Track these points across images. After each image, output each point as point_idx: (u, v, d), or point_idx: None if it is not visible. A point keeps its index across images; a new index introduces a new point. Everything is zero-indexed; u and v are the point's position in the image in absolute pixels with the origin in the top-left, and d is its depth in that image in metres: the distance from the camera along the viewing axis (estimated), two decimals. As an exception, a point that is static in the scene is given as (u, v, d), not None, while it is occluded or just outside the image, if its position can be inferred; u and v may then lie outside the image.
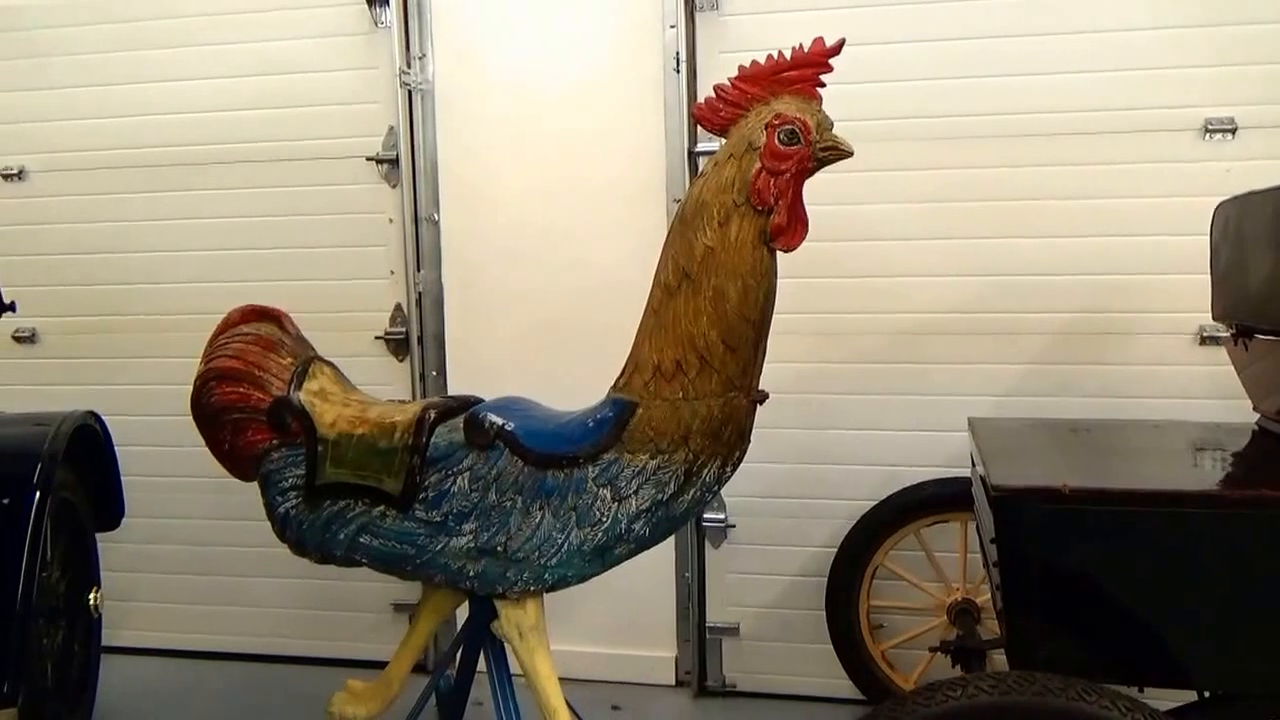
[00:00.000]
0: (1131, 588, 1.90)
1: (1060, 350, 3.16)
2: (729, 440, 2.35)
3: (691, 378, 2.30)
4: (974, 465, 2.57)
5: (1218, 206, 2.53)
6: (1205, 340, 3.07)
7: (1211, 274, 2.54)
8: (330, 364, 2.79)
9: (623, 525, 2.37)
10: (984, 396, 3.17)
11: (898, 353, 3.25)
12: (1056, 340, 3.16)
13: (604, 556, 2.41)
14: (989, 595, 3.00)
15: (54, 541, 2.95)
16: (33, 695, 2.65)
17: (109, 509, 3.34)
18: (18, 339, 3.83)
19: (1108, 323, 3.13)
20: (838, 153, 2.24)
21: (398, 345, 3.59)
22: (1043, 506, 1.91)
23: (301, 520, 2.58)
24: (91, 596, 3.21)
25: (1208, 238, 2.57)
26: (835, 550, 3.15)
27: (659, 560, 3.36)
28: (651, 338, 2.34)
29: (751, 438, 2.40)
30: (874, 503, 3.13)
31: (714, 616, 3.46)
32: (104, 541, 3.35)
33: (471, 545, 2.43)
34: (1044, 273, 3.15)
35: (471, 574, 2.45)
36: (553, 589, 2.44)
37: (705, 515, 3.37)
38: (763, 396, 2.40)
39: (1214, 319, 2.58)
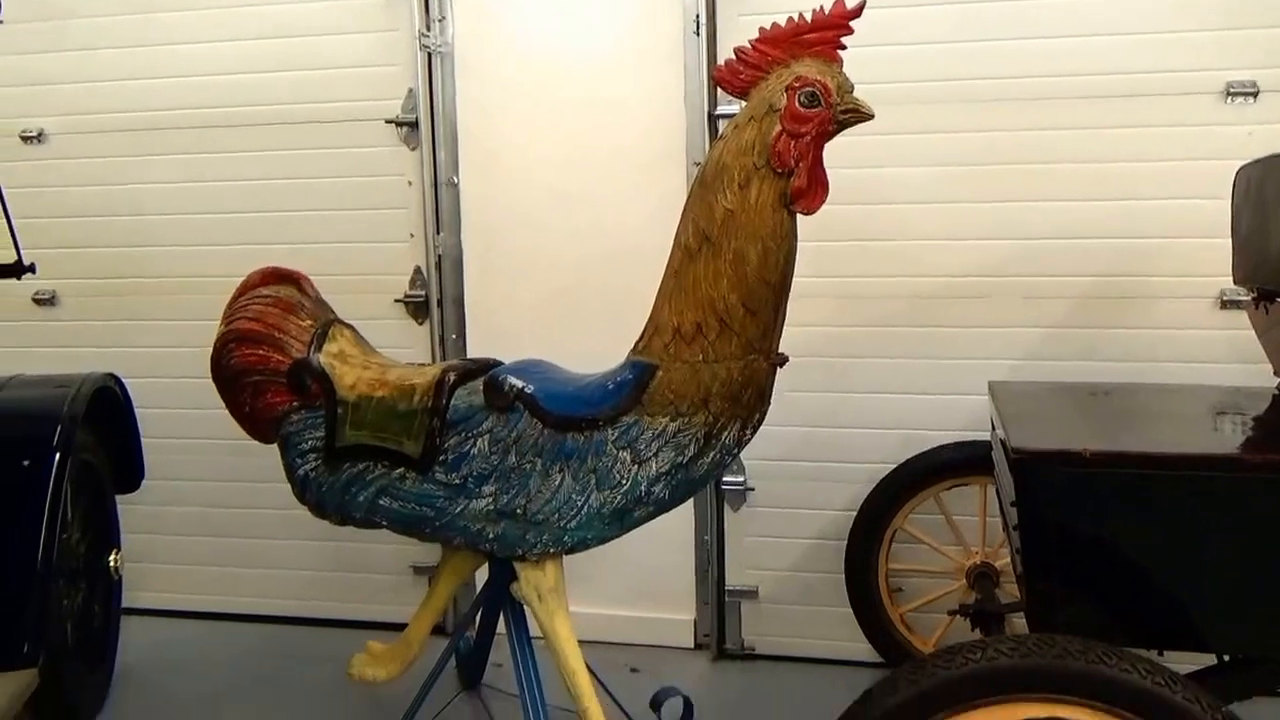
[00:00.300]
0: (1151, 551, 1.90)
1: (1080, 314, 3.15)
2: (749, 403, 2.36)
3: (711, 340, 2.30)
4: (994, 429, 2.57)
5: (1239, 170, 2.51)
6: (1226, 304, 3.05)
7: (1233, 238, 2.53)
8: (350, 326, 2.80)
9: (642, 488, 2.38)
10: (1003, 360, 3.16)
11: (917, 316, 3.24)
12: (1077, 304, 3.15)
13: (623, 519, 2.42)
14: (1008, 559, 3.00)
15: (74, 503, 2.98)
16: (53, 655, 2.68)
17: (129, 471, 3.38)
18: (38, 301, 3.86)
19: (1128, 287, 3.11)
20: (858, 115, 2.24)
21: (417, 308, 3.60)
22: (1063, 470, 1.91)
23: (321, 482, 2.60)
24: (111, 558, 3.26)
25: (1229, 201, 2.55)
26: (854, 514, 3.16)
27: (678, 523, 3.36)
28: (671, 300, 2.35)
29: (771, 401, 2.41)
30: (893, 466, 3.13)
31: (733, 579, 3.48)
32: (124, 503, 3.40)
33: (491, 508, 2.45)
34: (1064, 236, 3.13)
35: (491, 536, 2.47)
36: (572, 551, 2.46)
37: (724, 478, 3.38)
38: (782, 359, 2.41)
39: (1235, 283, 2.56)
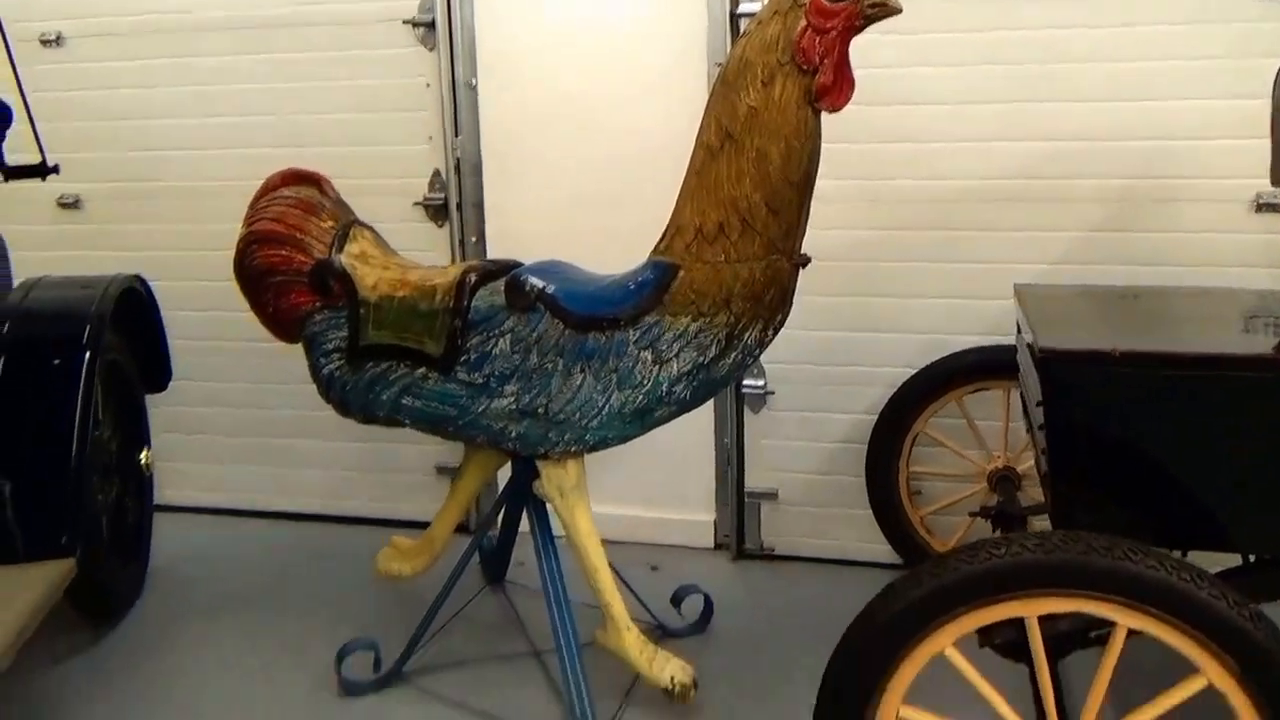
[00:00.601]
0: (1179, 452, 1.85)
1: (1111, 217, 3.04)
2: (771, 304, 2.32)
3: (733, 240, 2.26)
4: (1019, 331, 2.51)
5: None
6: (1262, 207, 2.94)
7: (1272, 138, 2.42)
8: (370, 228, 2.77)
9: (663, 388, 2.36)
10: (1030, 264, 3.05)
11: (942, 219, 3.14)
12: (1107, 206, 3.04)
13: (644, 419, 2.41)
14: (1030, 463, 2.97)
15: (105, 402, 2.99)
16: (89, 547, 2.70)
17: (157, 371, 3.37)
18: (62, 205, 3.81)
19: (1161, 189, 3.00)
20: (885, 10, 2.16)
21: (436, 211, 3.53)
22: (1091, 370, 1.86)
23: (345, 382, 2.60)
24: (142, 455, 3.27)
25: (1269, 100, 2.44)
26: (875, 417, 3.11)
27: (698, 425, 3.34)
28: (693, 199, 2.31)
29: (793, 303, 2.36)
30: (915, 370, 3.07)
31: (753, 481, 3.45)
32: (153, 405, 3.39)
33: (513, 407, 2.44)
34: (1095, 138, 3.01)
35: (513, 435, 2.46)
36: (593, 450, 2.45)
37: (744, 382, 3.33)
38: (805, 260, 2.36)
39: (1272, 184, 2.45)
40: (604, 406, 2.38)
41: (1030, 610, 1.64)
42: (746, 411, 3.40)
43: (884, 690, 1.70)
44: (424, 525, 3.02)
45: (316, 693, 2.72)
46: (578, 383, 2.39)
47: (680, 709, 2.56)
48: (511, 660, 2.86)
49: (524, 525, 2.86)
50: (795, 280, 2.35)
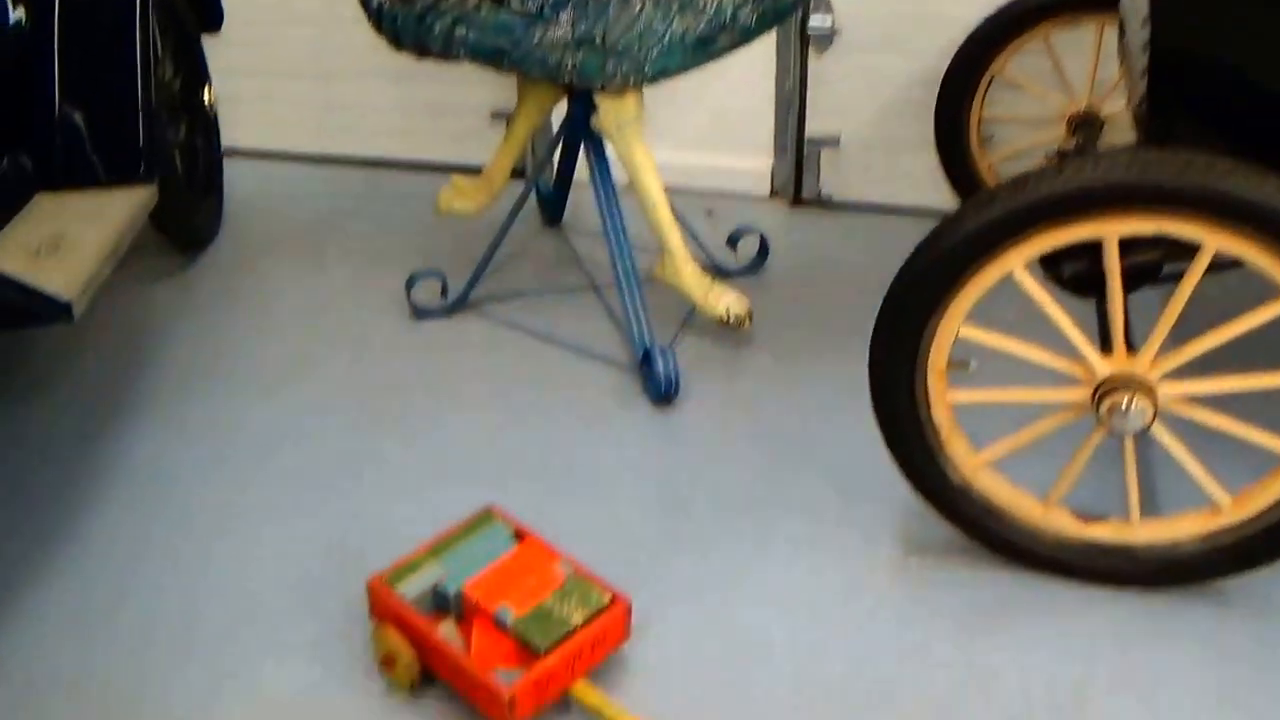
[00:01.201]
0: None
1: None
2: (848, -84, 2.04)
3: None
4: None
5: None
6: None
7: None
8: None
9: (727, 14, 2.16)
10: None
11: None
12: None
13: (706, 47, 2.22)
14: (1114, 109, 2.69)
15: (162, 41, 2.81)
16: (166, 180, 2.65)
17: (208, 10, 3.14)
18: None
19: None
20: None
21: None
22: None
23: (396, 14, 2.40)
24: (205, 94, 3.14)
25: None
26: (949, 58, 2.81)
27: (758, 67, 3.08)
28: None
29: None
30: (993, 10, 2.73)
31: (814, 128, 3.19)
32: (211, 49, 3.19)
33: (569, 36, 2.24)
34: None
35: (570, 66, 2.28)
36: (653, 82, 2.28)
37: (810, 21, 3.01)
38: None
39: None
40: (664, 34, 2.18)
41: (1111, 230, 1.48)
42: (811, 53, 3.11)
43: (947, 306, 1.58)
44: (481, 170, 2.89)
45: (389, 314, 2.75)
46: (636, 9, 2.18)
47: (735, 337, 2.53)
48: (572, 292, 2.82)
49: (580, 175, 2.72)
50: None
